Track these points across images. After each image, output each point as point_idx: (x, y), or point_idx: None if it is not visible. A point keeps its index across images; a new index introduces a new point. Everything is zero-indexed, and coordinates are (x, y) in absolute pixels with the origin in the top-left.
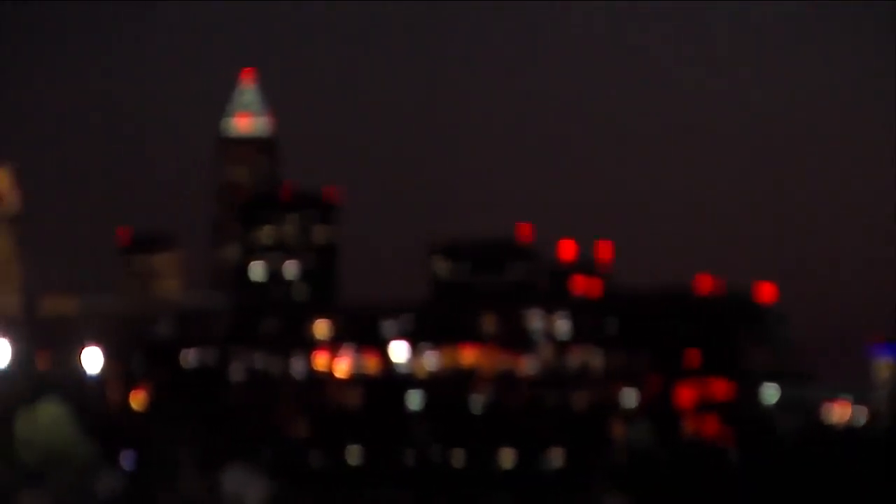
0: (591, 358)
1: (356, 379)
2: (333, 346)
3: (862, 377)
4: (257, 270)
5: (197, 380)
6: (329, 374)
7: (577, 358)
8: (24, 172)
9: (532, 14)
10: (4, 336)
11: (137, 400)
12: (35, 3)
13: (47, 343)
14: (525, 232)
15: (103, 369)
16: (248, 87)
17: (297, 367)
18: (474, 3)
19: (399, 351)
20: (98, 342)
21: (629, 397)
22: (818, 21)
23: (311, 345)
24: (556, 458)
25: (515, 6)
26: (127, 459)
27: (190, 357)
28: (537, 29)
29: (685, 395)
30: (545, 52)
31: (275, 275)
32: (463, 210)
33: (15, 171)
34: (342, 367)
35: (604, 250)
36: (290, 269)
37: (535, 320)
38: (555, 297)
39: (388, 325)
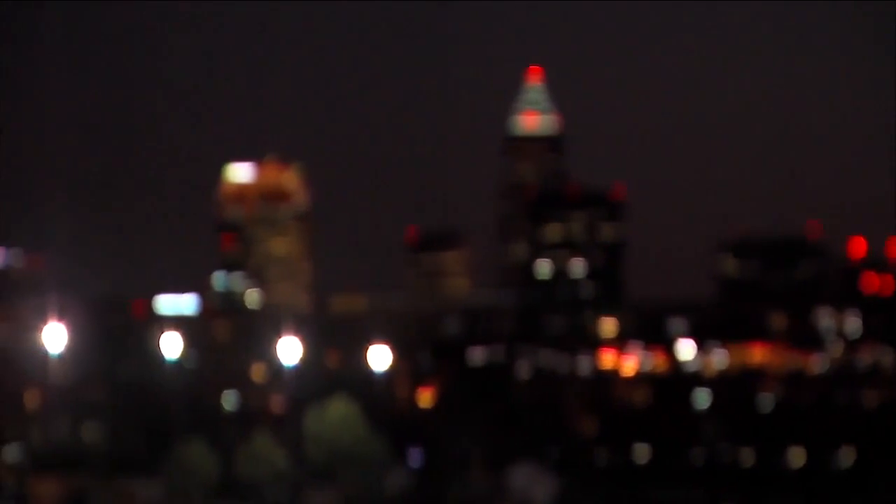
0: (882, 356)
1: (643, 377)
2: (620, 344)
3: None
4: (544, 268)
5: (484, 377)
6: (615, 372)
7: (867, 356)
8: (313, 171)
9: None
10: (295, 334)
11: (425, 397)
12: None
13: (336, 341)
14: (815, 229)
15: (391, 367)
16: (534, 85)
17: (583, 364)
18: None
19: (686, 349)
20: (386, 340)
21: None
22: None
23: (597, 343)
24: (846, 457)
25: None
26: (415, 457)
27: (477, 355)
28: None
29: None
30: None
31: (561, 273)
32: (750, 207)
33: (304, 169)
34: (629, 365)
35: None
36: (577, 266)
37: (824, 318)
38: (845, 294)
39: (675, 323)
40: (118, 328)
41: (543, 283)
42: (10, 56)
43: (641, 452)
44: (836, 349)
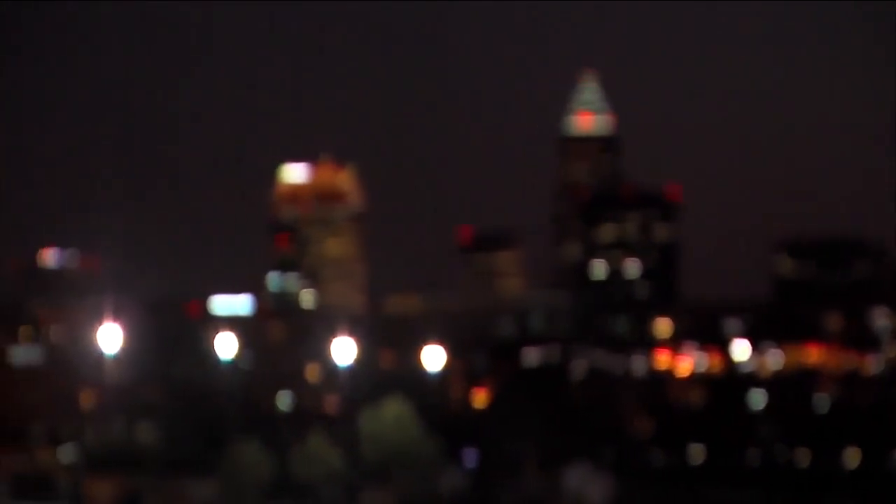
0: None
1: (698, 377)
2: (675, 344)
3: None
4: (598, 269)
5: (539, 378)
6: (670, 373)
7: None
8: (368, 172)
9: None
10: (350, 335)
11: (479, 398)
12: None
13: (391, 341)
14: (870, 230)
15: (445, 367)
16: (589, 85)
17: (638, 365)
18: None
19: (741, 349)
20: (440, 340)
21: None
22: None
23: (652, 343)
24: None
25: None
26: (469, 458)
27: (532, 355)
28: None
29: None
30: None
31: (616, 273)
32: (806, 207)
33: (358, 170)
34: (684, 365)
35: None
36: (632, 267)
37: (880, 318)
38: None
39: (730, 324)
40: (173, 329)
41: (598, 283)
42: (68, 61)
43: (696, 453)
44: (892, 349)
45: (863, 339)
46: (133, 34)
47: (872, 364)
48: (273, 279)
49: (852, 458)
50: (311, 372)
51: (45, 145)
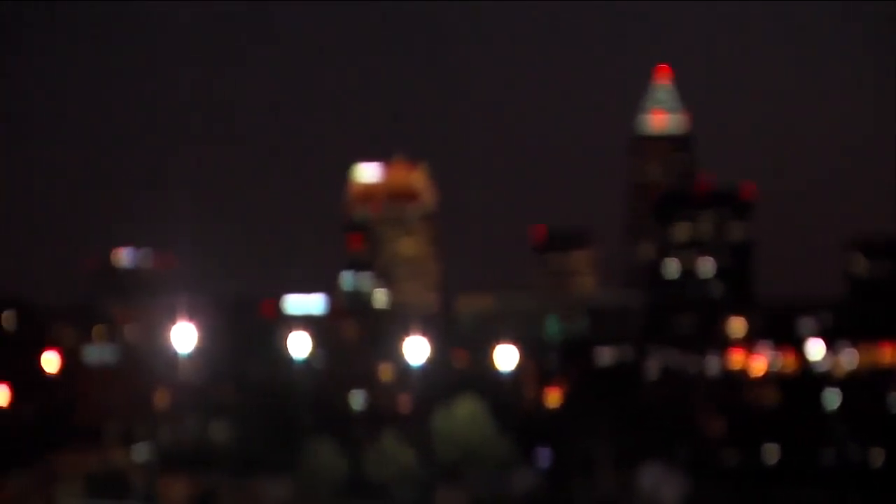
0: None
1: (772, 377)
2: (749, 343)
3: None
4: (671, 268)
5: (612, 377)
6: (744, 373)
7: None
8: (440, 171)
9: None
10: (422, 334)
11: (552, 397)
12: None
13: (464, 340)
14: None
15: (518, 366)
16: (662, 84)
17: (712, 364)
18: None
19: (816, 349)
20: (513, 340)
21: None
22: None
23: (726, 343)
24: None
25: None
26: (542, 457)
27: (604, 354)
28: None
29: None
30: None
31: (689, 272)
32: (881, 206)
33: (431, 169)
34: (758, 365)
35: None
36: (705, 266)
37: None
38: None
39: (804, 323)
40: (247, 328)
41: (671, 282)
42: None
43: (770, 453)
44: None
45: None
46: (210, 35)
47: None
48: (346, 278)
49: None
50: (384, 371)
51: (121, 145)
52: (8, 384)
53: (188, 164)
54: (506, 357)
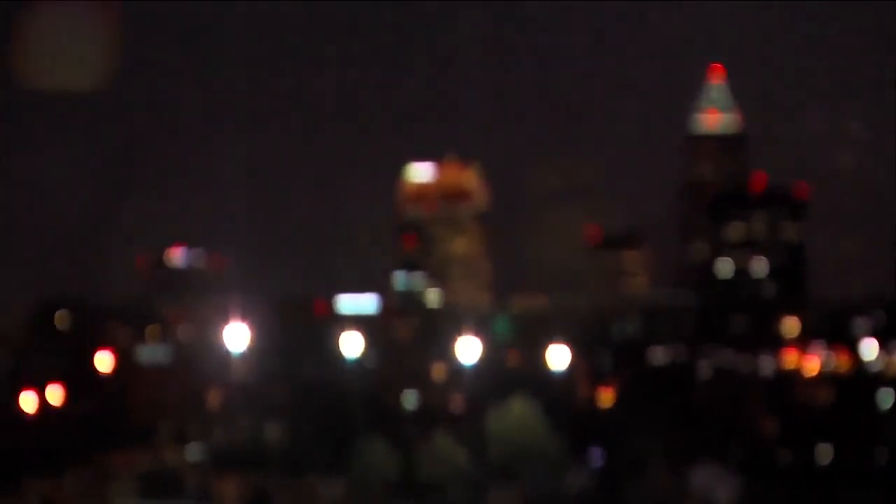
0: None
1: (825, 376)
2: (802, 343)
3: None
4: (725, 268)
5: (665, 377)
6: (798, 372)
7: None
8: (493, 170)
9: None
10: (475, 334)
11: (605, 397)
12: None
13: (517, 340)
14: None
15: (571, 366)
16: (716, 84)
17: (765, 364)
18: None
19: (870, 348)
20: (566, 340)
21: None
22: None
23: (779, 342)
24: None
25: None
26: (595, 456)
27: (657, 354)
28: None
29: None
30: None
31: (742, 272)
32: None
33: (483, 168)
34: (812, 365)
35: None
36: (759, 266)
37: None
38: None
39: (858, 323)
40: (300, 328)
41: (724, 282)
42: (199, 63)
43: (824, 452)
44: None
45: None
46: (264, 36)
47: None
48: (399, 278)
49: None
50: (437, 371)
51: (173, 144)
52: (62, 384)
53: (242, 164)
54: (558, 357)
